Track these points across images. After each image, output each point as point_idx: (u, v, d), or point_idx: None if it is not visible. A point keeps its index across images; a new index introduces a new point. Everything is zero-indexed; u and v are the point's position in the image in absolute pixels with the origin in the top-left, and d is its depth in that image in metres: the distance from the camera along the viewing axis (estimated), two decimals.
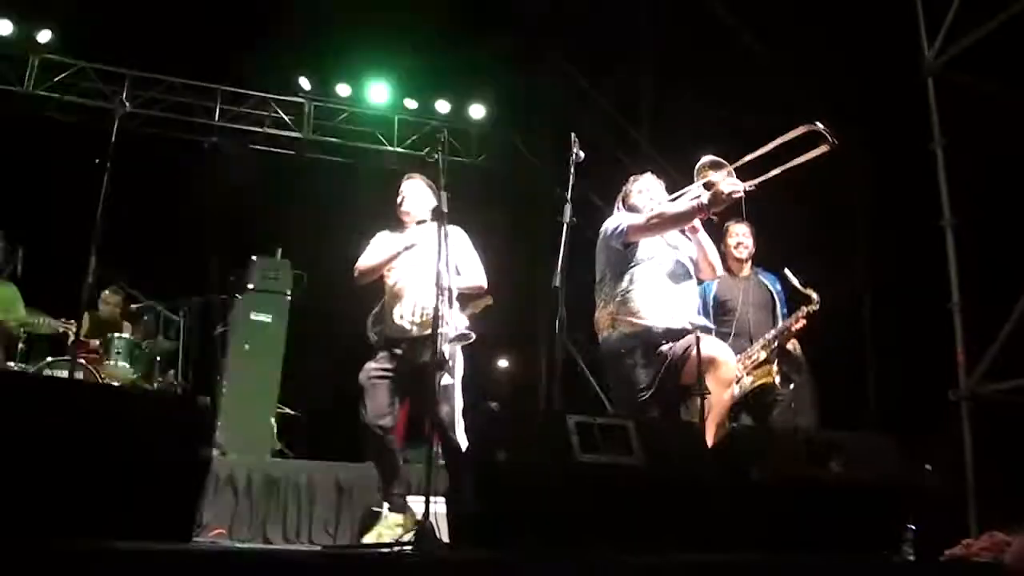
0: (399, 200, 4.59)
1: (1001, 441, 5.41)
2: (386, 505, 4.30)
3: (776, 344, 4.83)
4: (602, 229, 4.22)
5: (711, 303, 4.96)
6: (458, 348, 4.31)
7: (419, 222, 4.53)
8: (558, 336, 3.63)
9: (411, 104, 9.54)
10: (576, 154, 3.93)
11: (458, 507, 3.05)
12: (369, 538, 4.23)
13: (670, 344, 3.94)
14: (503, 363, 9.88)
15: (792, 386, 4.96)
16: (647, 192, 4.28)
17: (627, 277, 4.05)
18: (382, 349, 4.38)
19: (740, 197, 3.81)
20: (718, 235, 4.86)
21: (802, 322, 4.84)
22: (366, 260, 4.52)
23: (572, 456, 2.72)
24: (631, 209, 4.27)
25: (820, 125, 3.78)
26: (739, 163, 3.94)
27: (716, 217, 4.07)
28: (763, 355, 4.79)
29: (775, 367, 4.78)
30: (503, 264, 7.61)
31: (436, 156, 3.86)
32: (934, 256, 5.97)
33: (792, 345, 4.94)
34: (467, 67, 9.18)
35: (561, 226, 3.70)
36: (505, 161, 9.90)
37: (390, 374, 4.30)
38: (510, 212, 9.44)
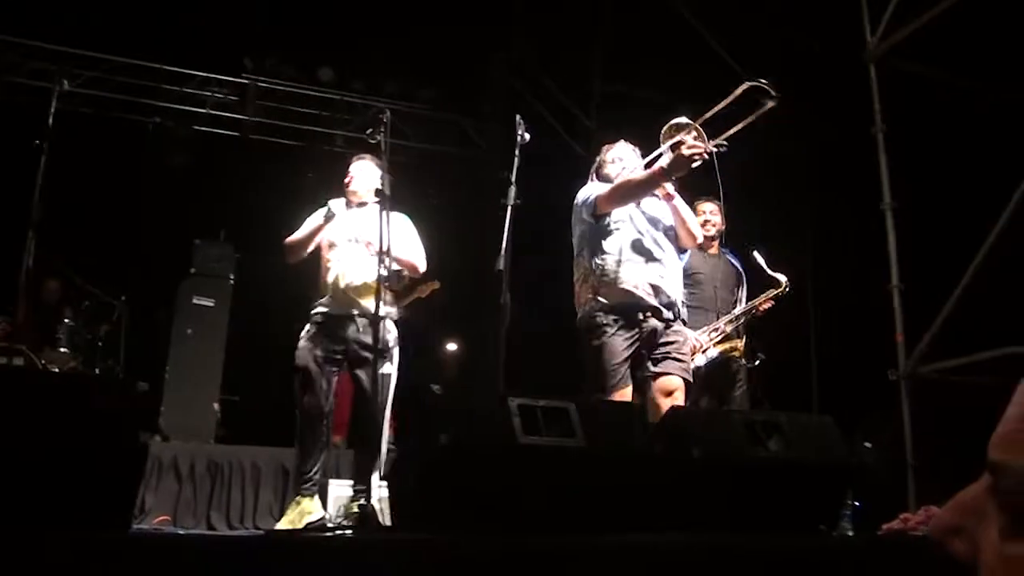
0: (346, 180, 4.55)
1: (939, 419, 5.53)
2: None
3: (742, 321, 4.92)
4: (574, 202, 4.18)
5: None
6: (395, 336, 4.30)
7: (360, 204, 4.49)
8: (501, 319, 3.62)
9: (357, 86, 9.41)
10: (521, 136, 3.91)
11: (401, 490, 3.03)
12: (281, 525, 4.22)
13: (650, 317, 3.93)
14: (451, 346, 9.84)
15: (758, 363, 5.05)
16: (620, 161, 4.23)
17: (604, 248, 4.01)
18: (316, 327, 4.36)
19: (700, 159, 3.80)
20: None
21: (769, 303, 4.94)
22: (293, 235, 4.49)
23: (514, 438, 2.72)
24: (604, 179, 4.21)
25: (763, 81, 3.82)
26: (696, 122, 3.92)
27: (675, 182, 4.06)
28: (728, 330, 4.87)
29: (741, 343, 4.87)
30: (452, 248, 7.61)
31: (379, 137, 3.83)
32: (878, 239, 6.08)
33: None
34: (415, 49, 9.07)
35: (505, 208, 3.69)
36: (453, 145, 9.83)
37: (332, 356, 4.27)
38: (459, 196, 9.39)
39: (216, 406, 6.74)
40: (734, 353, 4.85)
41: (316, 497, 4.22)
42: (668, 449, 2.99)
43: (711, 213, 5.18)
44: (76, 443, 2.45)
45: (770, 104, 3.83)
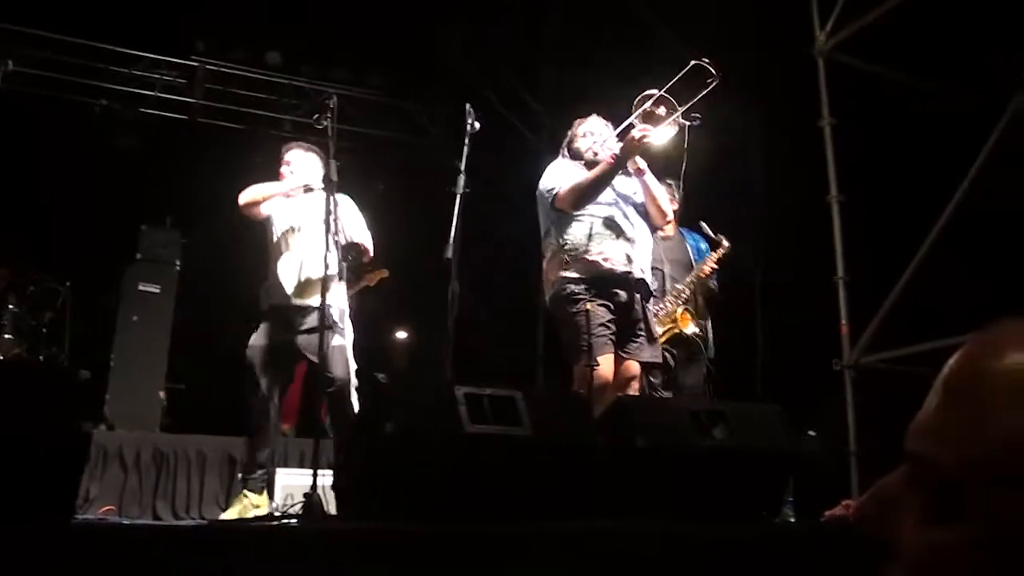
0: (284, 170, 4.50)
1: (882, 409, 5.63)
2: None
3: (688, 292, 4.93)
4: (539, 184, 4.13)
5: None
6: (347, 315, 4.27)
7: (307, 189, 4.45)
8: (451, 308, 3.61)
9: (306, 71, 9.30)
10: (471, 124, 3.90)
11: (346, 479, 3.02)
12: (229, 515, 4.19)
13: (623, 291, 3.94)
14: (400, 334, 9.79)
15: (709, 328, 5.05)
16: (591, 136, 4.19)
17: (573, 224, 3.99)
18: (268, 319, 4.31)
19: (648, 141, 3.82)
20: None
21: (712, 266, 4.96)
22: (254, 188, 4.43)
23: (461, 427, 2.72)
24: (575, 154, 4.17)
25: (705, 60, 3.86)
26: (653, 99, 3.93)
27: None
28: (677, 306, 4.88)
29: (682, 311, 4.85)
30: (399, 236, 7.57)
31: (325, 123, 3.79)
32: (825, 230, 6.17)
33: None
34: (364, 35, 8.99)
35: (454, 196, 3.68)
36: (402, 131, 9.77)
37: (278, 347, 4.24)
38: (407, 183, 9.34)
39: (162, 394, 6.64)
40: (674, 328, 4.83)
41: (264, 492, 4.20)
42: (613, 438, 3.01)
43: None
44: (16, 432, 2.41)
45: (713, 83, 3.86)
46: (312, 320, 4.20)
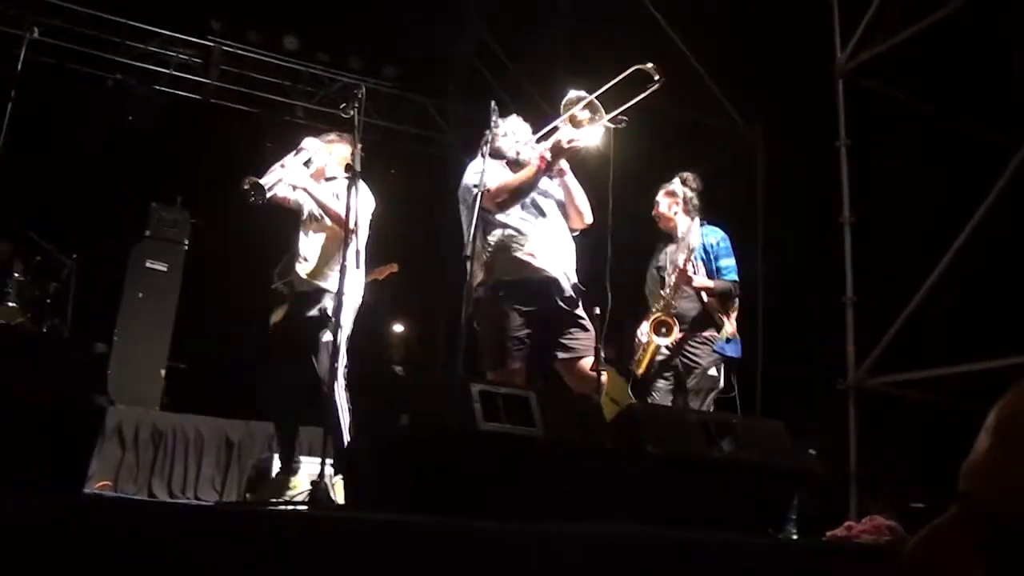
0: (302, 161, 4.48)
1: (879, 431, 5.64)
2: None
3: (663, 301, 4.84)
4: (461, 182, 4.03)
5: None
6: (350, 309, 4.26)
7: (328, 179, 4.45)
8: (466, 303, 3.60)
9: (322, 59, 9.29)
10: (495, 121, 3.89)
11: (355, 468, 3.01)
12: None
13: (549, 295, 3.87)
14: (398, 328, 9.74)
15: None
16: (512, 135, 4.12)
17: (495, 225, 3.92)
18: (285, 302, 4.33)
19: (578, 146, 3.76)
20: None
21: (681, 269, 4.81)
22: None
23: (474, 424, 2.72)
24: (495, 153, 4.03)
25: (649, 64, 3.83)
26: (587, 99, 3.87)
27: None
28: (661, 313, 4.80)
29: (651, 322, 4.77)
30: (406, 228, 7.57)
31: (352, 112, 3.79)
32: (826, 251, 6.18)
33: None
34: (383, 27, 8.98)
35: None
36: (414, 124, 9.77)
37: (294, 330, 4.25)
38: (414, 177, 9.34)
39: (162, 372, 6.64)
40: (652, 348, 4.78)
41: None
42: (624, 443, 3.01)
43: (662, 195, 5.10)
44: (31, 403, 2.40)
45: (655, 87, 3.82)
46: (311, 310, 4.24)
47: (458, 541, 2.47)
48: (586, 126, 3.77)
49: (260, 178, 4.23)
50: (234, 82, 8.89)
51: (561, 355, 3.93)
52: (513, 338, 3.78)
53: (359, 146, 3.72)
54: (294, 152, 4.46)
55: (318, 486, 3.07)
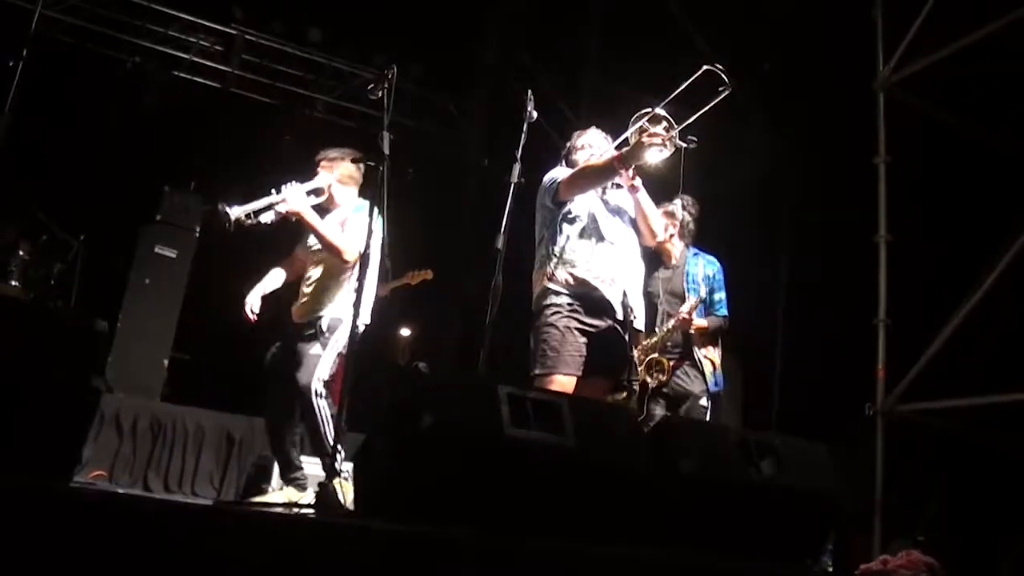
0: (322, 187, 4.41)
1: (902, 460, 5.45)
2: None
3: (658, 340, 4.74)
4: (540, 186, 3.95)
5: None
6: (341, 327, 4.19)
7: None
8: (492, 302, 3.40)
9: (346, 53, 9.11)
10: (529, 113, 3.73)
11: (368, 472, 2.80)
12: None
13: (608, 312, 3.72)
14: (405, 331, 9.50)
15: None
16: (589, 147, 4.01)
17: (563, 235, 3.80)
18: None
19: (660, 147, 3.57)
20: None
21: (686, 316, 4.69)
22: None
23: (501, 429, 2.52)
24: (572, 165, 3.99)
25: (718, 66, 3.66)
26: (650, 115, 3.68)
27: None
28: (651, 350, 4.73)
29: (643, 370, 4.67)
30: (421, 227, 7.38)
31: (380, 94, 3.62)
32: (851, 269, 5.99)
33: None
34: (408, 23, 8.81)
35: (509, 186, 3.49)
36: (435, 123, 9.59)
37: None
38: (433, 177, 9.17)
39: (165, 362, 6.44)
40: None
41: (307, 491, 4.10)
42: (659, 460, 2.80)
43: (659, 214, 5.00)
44: (21, 378, 2.20)
45: (725, 92, 3.65)
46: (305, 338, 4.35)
47: (474, 558, 2.28)
48: (656, 143, 3.57)
49: (242, 204, 4.23)
50: (255, 72, 8.71)
51: (601, 380, 3.76)
52: (570, 349, 3.64)
53: (387, 131, 3.53)
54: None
55: (325, 488, 2.87)
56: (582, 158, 3.99)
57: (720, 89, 3.65)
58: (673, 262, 4.98)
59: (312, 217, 4.28)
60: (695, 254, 5.04)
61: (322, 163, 4.52)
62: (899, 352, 5.54)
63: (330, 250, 4.27)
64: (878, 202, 5.69)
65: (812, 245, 7.43)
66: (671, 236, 4.95)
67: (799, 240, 7.79)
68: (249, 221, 4.17)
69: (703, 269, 4.94)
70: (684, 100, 3.73)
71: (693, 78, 3.70)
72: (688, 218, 5.01)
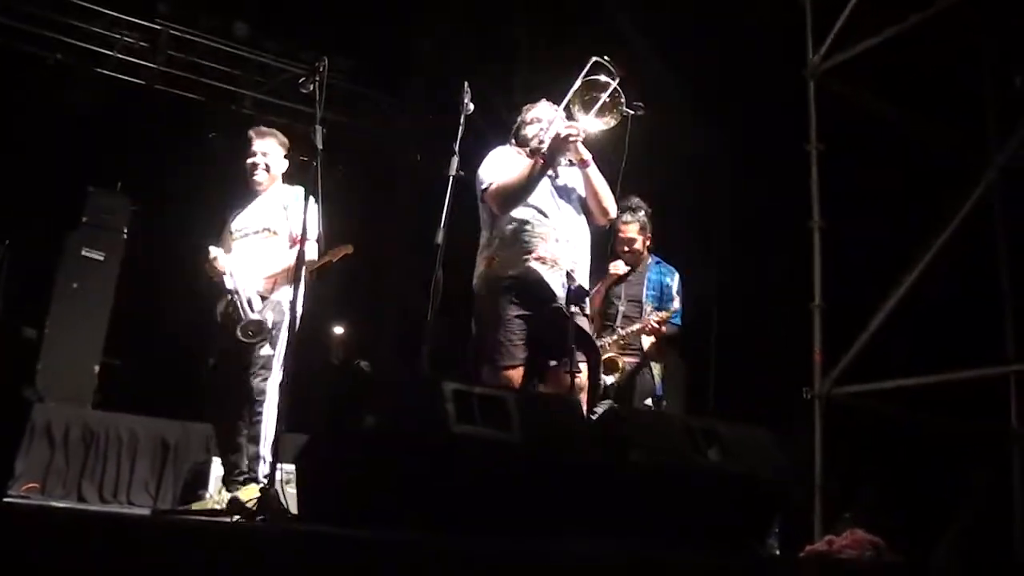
0: (252, 162, 4.29)
1: (847, 442, 5.52)
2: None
3: (622, 340, 4.80)
4: (479, 169, 3.84)
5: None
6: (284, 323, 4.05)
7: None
8: (433, 296, 3.34)
9: (273, 48, 8.92)
10: (466, 104, 3.66)
11: (311, 474, 2.73)
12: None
13: (552, 298, 3.64)
14: (338, 329, 9.35)
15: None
16: (539, 122, 3.90)
17: (505, 218, 3.72)
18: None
19: (575, 138, 3.58)
20: None
21: (654, 325, 4.78)
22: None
23: (446, 426, 2.47)
24: (521, 141, 3.91)
25: (606, 58, 3.63)
26: (560, 106, 3.70)
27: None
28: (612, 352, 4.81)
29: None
30: (353, 223, 7.28)
31: (311, 87, 3.55)
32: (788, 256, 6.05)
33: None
34: (337, 17, 8.67)
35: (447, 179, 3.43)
36: (366, 118, 9.47)
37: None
38: (364, 172, 9.07)
39: (95, 369, 6.25)
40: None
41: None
42: (607, 450, 2.78)
43: (635, 230, 5.05)
44: None
45: (612, 83, 3.63)
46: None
47: (422, 561, 2.23)
48: (594, 112, 3.56)
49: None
50: (180, 68, 8.48)
51: (553, 363, 3.68)
52: (512, 337, 3.56)
53: (320, 125, 3.45)
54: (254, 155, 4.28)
55: (267, 493, 2.79)
56: (531, 132, 3.90)
57: (609, 79, 3.63)
58: (641, 265, 5.06)
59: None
60: (657, 262, 5.15)
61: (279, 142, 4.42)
62: (842, 337, 5.59)
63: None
64: (811, 189, 5.72)
65: (748, 232, 7.51)
66: (646, 247, 5.09)
67: (733, 228, 7.86)
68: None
69: (663, 278, 5.07)
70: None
71: (584, 71, 3.65)
72: (649, 226, 5.12)
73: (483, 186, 3.74)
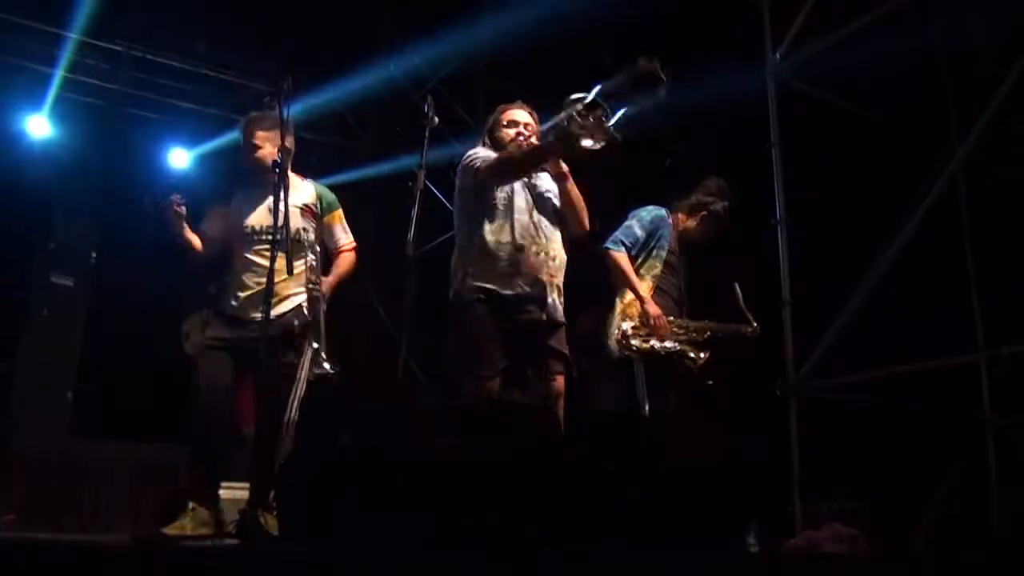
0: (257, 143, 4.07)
1: (822, 435, 5.57)
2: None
3: (706, 335, 4.76)
4: (461, 163, 3.82)
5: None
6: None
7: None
8: (406, 308, 3.35)
9: (233, 65, 8.88)
10: (430, 119, 3.67)
11: (290, 495, 2.74)
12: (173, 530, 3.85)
13: (528, 308, 3.64)
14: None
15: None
16: (515, 125, 3.85)
17: (483, 225, 3.68)
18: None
19: (591, 140, 3.39)
20: None
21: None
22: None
23: (422, 440, 2.49)
24: (496, 142, 3.85)
25: (655, 62, 3.38)
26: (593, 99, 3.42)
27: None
28: (694, 336, 4.71)
29: (702, 357, 4.68)
30: None
31: (277, 104, 3.54)
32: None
33: None
34: (296, 34, 8.66)
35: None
36: (328, 134, 9.46)
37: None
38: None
39: (69, 395, 6.21)
40: (688, 359, 4.64)
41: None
42: (582, 459, 2.80)
43: None
44: None
45: (661, 90, 3.39)
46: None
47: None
48: (588, 135, 3.37)
49: None
50: (142, 88, 8.42)
51: (531, 371, 3.68)
52: (489, 347, 3.55)
53: (288, 142, 3.44)
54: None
55: (247, 516, 2.79)
56: (508, 135, 3.85)
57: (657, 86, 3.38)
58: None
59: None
60: None
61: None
62: (815, 331, 5.64)
63: None
64: (774, 187, 5.78)
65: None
66: None
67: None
68: None
69: None
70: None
71: (624, 73, 3.39)
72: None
73: (473, 165, 3.71)
